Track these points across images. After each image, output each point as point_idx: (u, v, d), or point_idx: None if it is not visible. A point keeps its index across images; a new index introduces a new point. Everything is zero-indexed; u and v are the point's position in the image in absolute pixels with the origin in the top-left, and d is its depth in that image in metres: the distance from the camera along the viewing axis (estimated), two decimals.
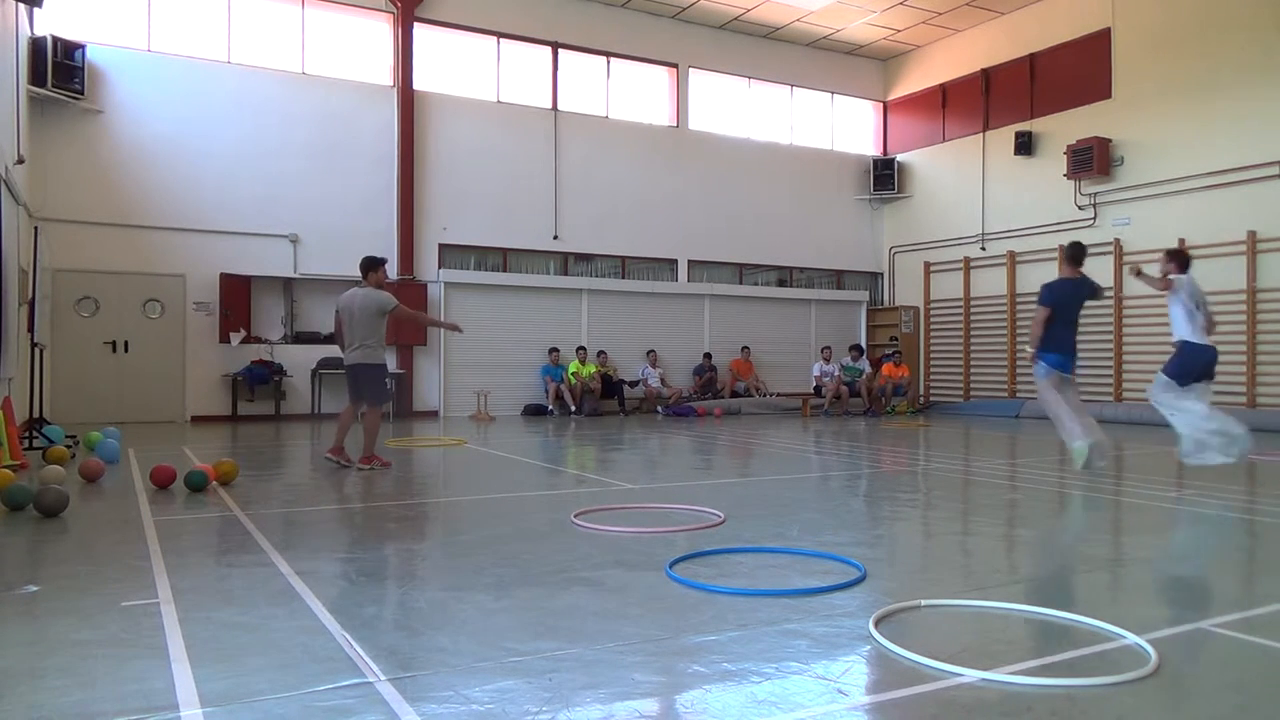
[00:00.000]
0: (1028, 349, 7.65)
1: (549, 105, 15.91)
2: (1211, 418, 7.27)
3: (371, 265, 7.84)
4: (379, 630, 3.08)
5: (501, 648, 2.85)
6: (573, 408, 14.89)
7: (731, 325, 17.26)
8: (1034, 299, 17.77)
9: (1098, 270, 14.83)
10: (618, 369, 15.90)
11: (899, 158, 18.57)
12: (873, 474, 7.68)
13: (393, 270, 14.47)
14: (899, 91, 18.76)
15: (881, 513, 5.80)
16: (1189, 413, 7.36)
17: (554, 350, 15.31)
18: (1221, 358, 12.88)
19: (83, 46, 12.20)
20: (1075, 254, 7.58)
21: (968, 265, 16.98)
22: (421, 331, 14.59)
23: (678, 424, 13.20)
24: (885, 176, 18.43)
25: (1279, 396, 12.44)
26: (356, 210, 14.36)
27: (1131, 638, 2.91)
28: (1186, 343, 7.47)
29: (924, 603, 3.35)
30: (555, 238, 15.94)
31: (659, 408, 15.57)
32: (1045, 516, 5.79)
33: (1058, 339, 7.45)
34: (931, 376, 17.94)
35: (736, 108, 17.77)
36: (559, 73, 16.02)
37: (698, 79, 17.28)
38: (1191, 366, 7.44)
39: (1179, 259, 7.77)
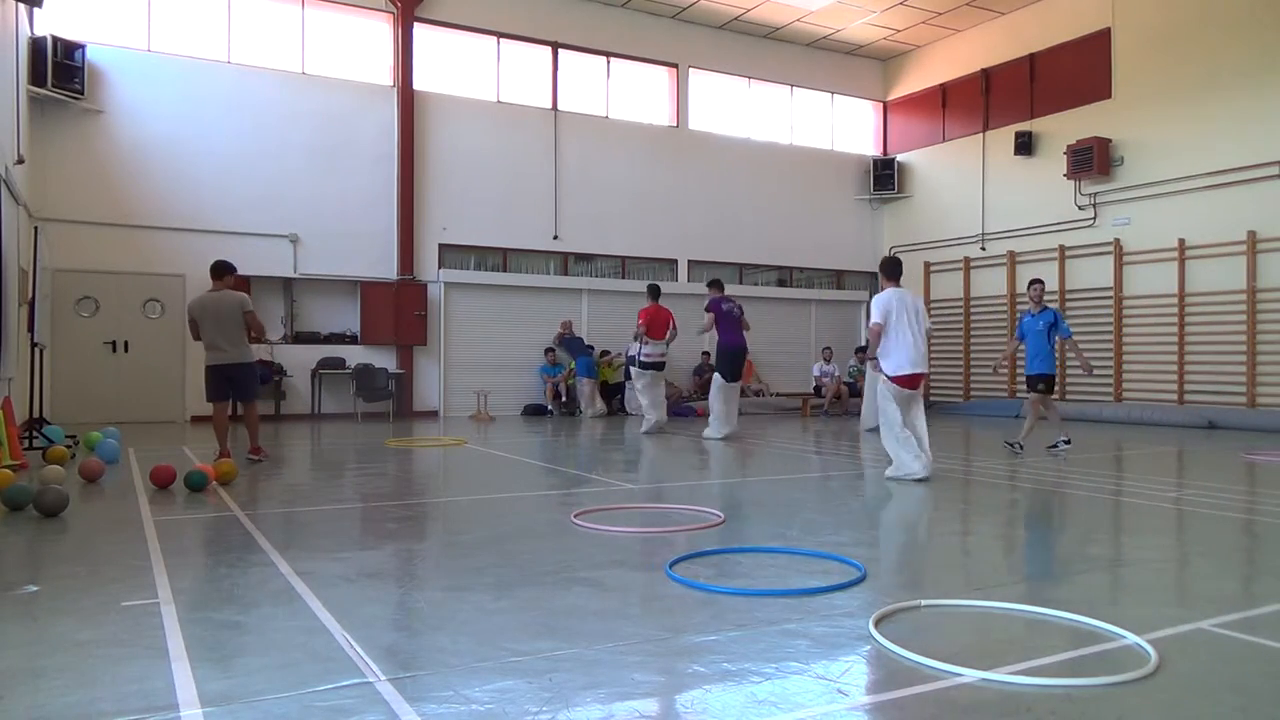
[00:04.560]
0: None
1: (549, 105, 15.91)
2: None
3: (228, 269, 8.24)
4: (379, 630, 3.08)
5: (501, 648, 2.85)
6: (583, 408, 14.93)
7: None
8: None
9: (1096, 270, 14.97)
10: (618, 370, 15.87)
11: (899, 158, 18.56)
12: (873, 474, 7.67)
13: (393, 270, 14.55)
14: (899, 91, 18.75)
15: (881, 513, 5.80)
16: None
17: (550, 350, 15.31)
18: (1221, 357, 13.00)
19: (83, 46, 12.19)
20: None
21: (968, 265, 16.97)
22: (421, 331, 14.60)
23: (678, 424, 13.19)
24: (885, 176, 18.44)
25: (1279, 396, 12.44)
26: (356, 210, 14.35)
27: (1131, 638, 2.91)
28: None
29: (924, 603, 3.35)
30: (555, 238, 15.93)
31: None
32: (1045, 516, 5.78)
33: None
34: (932, 377, 17.90)
35: (736, 108, 17.76)
36: (559, 73, 16.02)
37: (697, 79, 17.27)
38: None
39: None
